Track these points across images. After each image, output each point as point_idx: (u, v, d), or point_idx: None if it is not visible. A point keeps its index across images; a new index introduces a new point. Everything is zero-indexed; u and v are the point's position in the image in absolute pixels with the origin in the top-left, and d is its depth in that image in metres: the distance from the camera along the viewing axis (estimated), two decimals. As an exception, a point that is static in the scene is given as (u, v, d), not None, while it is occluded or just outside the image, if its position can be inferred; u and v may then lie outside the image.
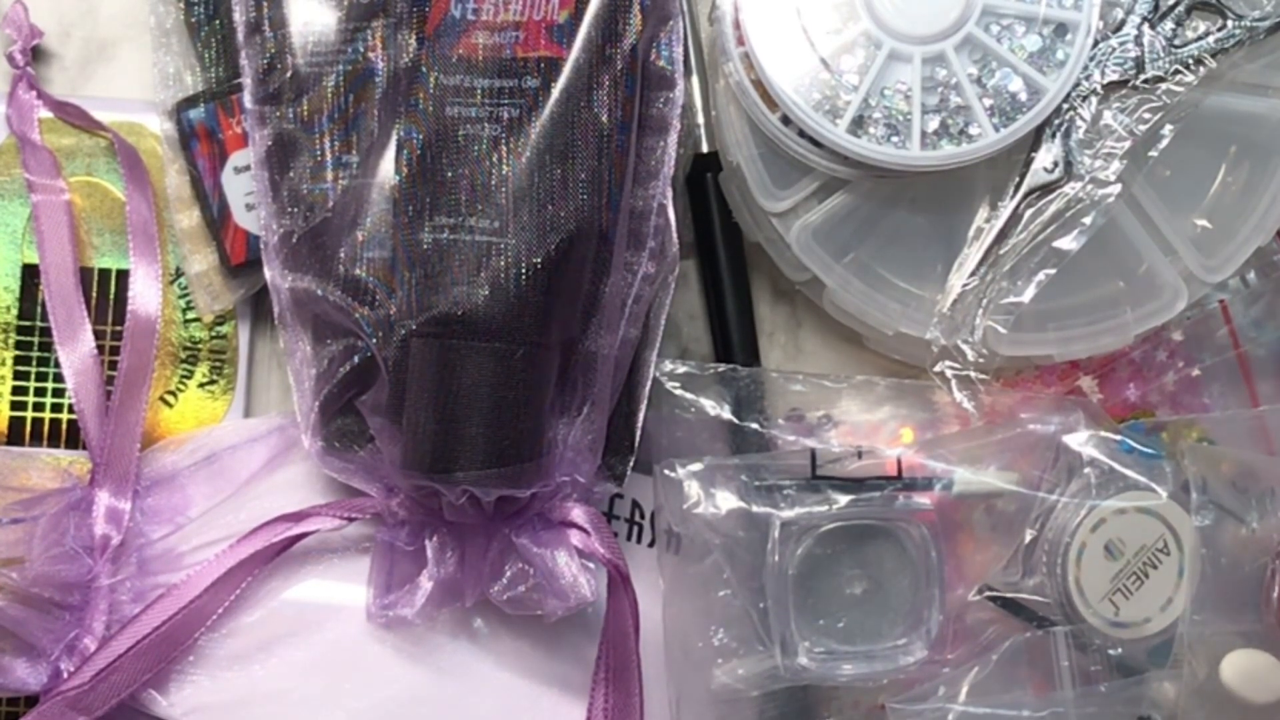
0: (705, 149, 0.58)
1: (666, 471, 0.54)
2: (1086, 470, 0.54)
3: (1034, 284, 0.52)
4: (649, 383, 0.53)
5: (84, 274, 0.55)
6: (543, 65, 0.49)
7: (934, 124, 0.51)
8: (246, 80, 0.52)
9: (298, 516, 0.52)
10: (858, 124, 0.51)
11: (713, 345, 0.58)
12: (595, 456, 0.51)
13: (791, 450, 0.55)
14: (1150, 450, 0.54)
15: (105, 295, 0.56)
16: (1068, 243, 0.52)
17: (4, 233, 0.56)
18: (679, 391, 0.56)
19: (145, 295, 0.55)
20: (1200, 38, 0.52)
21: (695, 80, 0.57)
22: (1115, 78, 0.52)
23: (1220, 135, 0.54)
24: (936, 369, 0.53)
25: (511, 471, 0.48)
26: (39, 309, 0.55)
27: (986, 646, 0.54)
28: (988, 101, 0.51)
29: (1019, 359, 0.54)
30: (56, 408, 0.55)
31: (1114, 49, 0.52)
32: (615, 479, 0.52)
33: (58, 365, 0.54)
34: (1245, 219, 0.54)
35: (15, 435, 0.55)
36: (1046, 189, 0.52)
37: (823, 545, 0.54)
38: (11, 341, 0.55)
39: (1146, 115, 0.52)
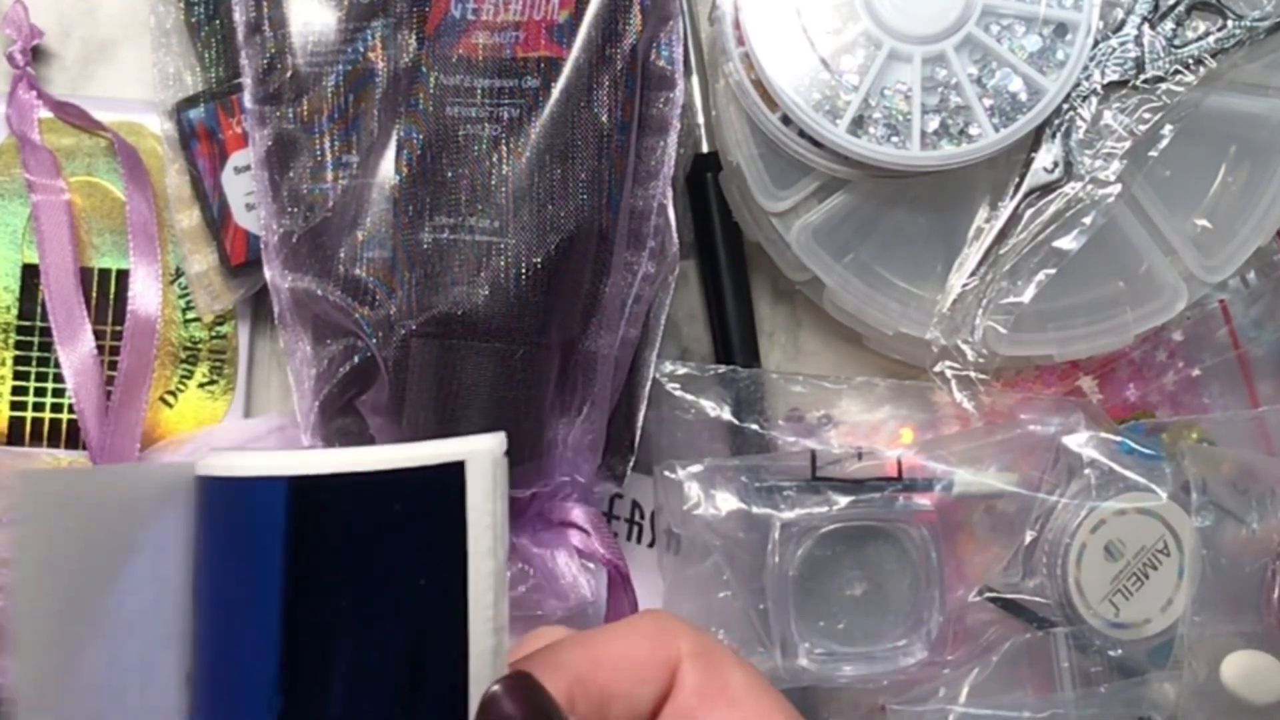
0: (705, 149, 0.57)
1: (666, 473, 0.54)
2: (1086, 471, 0.54)
3: (1034, 284, 0.52)
4: (649, 383, 0.53)
5: (84, 274, 0.55)
6: (543, 65, 0.49)
7: (934, 124, 0.51)
8: (246, 80, 0.52)
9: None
10: (858, 124, 0.50)
11: (713, 345, 0.58)
12: (595, 456, 0.51)
13: (791, 451, 0.55)
14: (1150, 451, 0.54)
15: (105, 295, 0.56)
16: (1068, 243, 0.52)
17: (4, 233, 0.56)
18: (679, 392, 0.56)
19: (145, 295, 0.55)
20: (1200, 38, 0.52)
21: (695, 80, 0.57)
22: (1115, 78, 0.52)
23: (1220, 135, 0.54)
24: (936, 369, 0.53)
25: (511, 472, 0.48)
26: (39, 309, 0.55)
27: (987, 647, 0.54)
28: (988, 101, 0.50)
29: (1019, 359, 0.54)
30: (56, 408, 0.55)
31: (1114, 49, 0.52)
32: (615, 479, 0.52)
33: (58, 365, 0.54)
34: (1245, 219, 0.54)
35: (15, 435, 0.55)
36: (1046, 189, 0.52)
37: (823, 546, 0.54)
38: (11, 341, 0.55)
39: (1146, 115, 0.52)
